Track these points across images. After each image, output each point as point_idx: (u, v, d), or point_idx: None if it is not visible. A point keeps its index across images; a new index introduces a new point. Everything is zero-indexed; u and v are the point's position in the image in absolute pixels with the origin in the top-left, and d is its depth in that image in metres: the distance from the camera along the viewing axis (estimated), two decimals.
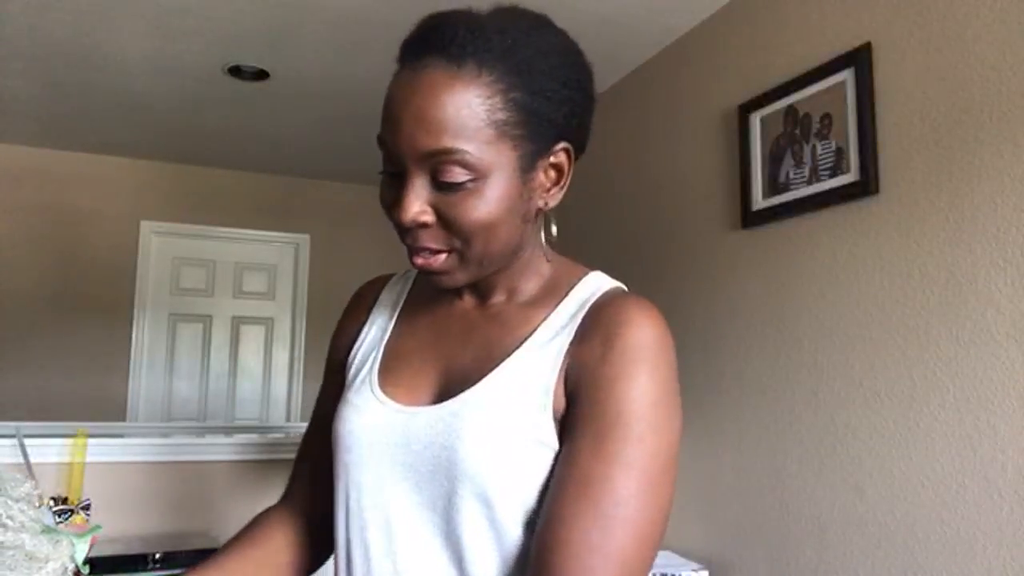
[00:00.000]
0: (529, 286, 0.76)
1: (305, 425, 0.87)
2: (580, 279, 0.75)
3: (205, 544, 1.86)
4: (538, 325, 0.72)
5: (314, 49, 2.68)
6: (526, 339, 0.71)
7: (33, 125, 3.58)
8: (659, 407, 0.64)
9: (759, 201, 2.04)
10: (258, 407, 4.35)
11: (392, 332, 0.81)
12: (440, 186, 0.65)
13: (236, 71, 2.89)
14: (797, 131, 1.93)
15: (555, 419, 0.67)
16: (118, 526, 1.91)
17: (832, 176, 1.81)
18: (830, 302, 1.81)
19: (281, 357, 4.43)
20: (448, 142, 0.63)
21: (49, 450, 1.88)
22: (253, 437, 2.21)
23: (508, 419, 0.66)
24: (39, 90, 3.10)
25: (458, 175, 0.64)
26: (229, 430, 3.01)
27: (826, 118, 1.84)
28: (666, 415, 0.65)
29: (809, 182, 1.87)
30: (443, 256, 0.68)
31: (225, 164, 4.21)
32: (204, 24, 2.49)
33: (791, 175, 1.94)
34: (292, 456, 2.25)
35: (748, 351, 2.06)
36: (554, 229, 0.78)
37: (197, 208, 4.25)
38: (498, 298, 0.76)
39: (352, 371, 0.81)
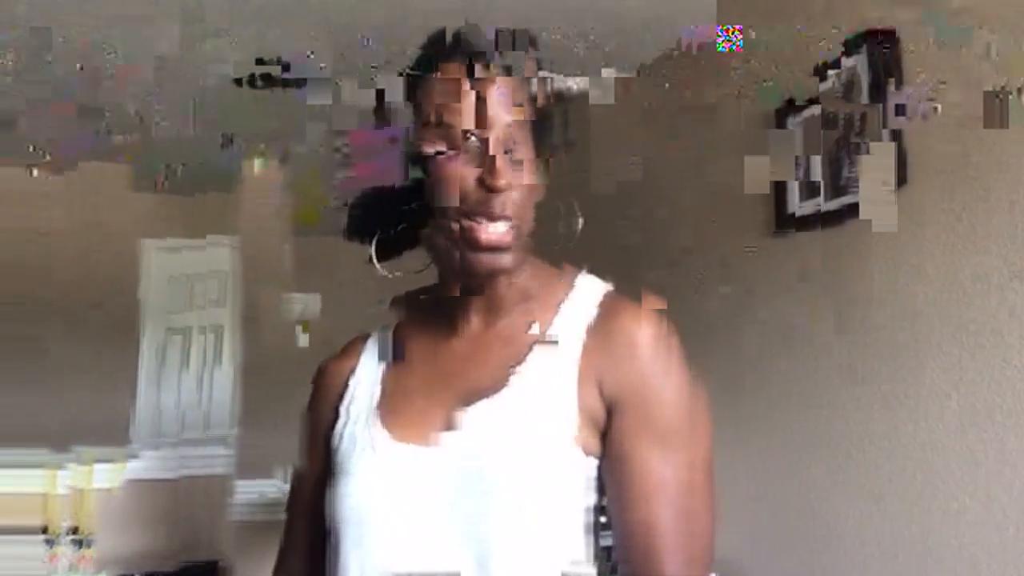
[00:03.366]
0: (532, 285, 0.77)
1: None
2: (573, 282, 0.77)
3: (207, 556, 1.84)
4: (544, 329, 0.73)
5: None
6: (535, 343, 0.72)
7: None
8: (697, 400, 0.70)
9: (795, 204, 1.92)
10: None
11: (384, 388, 0.78)
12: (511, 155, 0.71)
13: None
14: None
15: (589, 423, 0.69)
16: (119, 542, 1.89)
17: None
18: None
19: None
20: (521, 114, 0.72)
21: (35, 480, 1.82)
22: None
23: (534, 425, 0.68)
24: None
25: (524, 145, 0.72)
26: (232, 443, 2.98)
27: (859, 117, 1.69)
28: (702, 406, 0.70)
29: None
30: (511, 230, 0.70)
31: None
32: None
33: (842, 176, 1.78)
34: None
35: (775, 356, 1.96)
36: (580, 222, 0.79)
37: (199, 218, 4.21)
38: (508, 317, 0.76)
39: (341, 451, 0.76)
